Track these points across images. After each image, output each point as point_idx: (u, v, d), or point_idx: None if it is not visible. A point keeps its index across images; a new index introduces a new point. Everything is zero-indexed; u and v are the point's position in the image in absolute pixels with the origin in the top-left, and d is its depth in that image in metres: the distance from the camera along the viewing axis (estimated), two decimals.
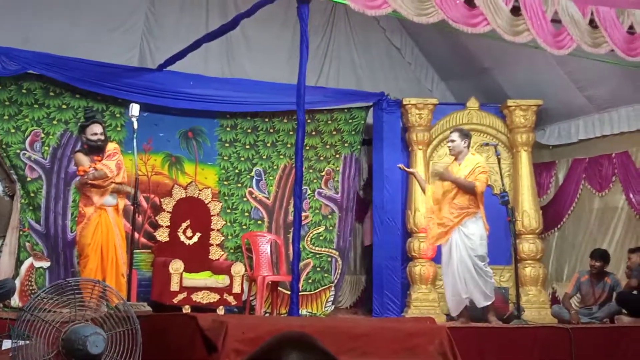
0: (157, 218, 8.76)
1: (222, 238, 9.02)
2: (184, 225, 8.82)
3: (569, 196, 9.71)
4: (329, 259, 9.63)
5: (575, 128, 9.69)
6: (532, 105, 9.49)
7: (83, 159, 7.13)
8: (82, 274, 7.22)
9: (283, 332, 1.70)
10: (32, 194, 8.36)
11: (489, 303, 7.81)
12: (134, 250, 7.25)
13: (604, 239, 9.18)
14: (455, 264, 7.70)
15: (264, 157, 9.52)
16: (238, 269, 8.28)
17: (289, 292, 7.43)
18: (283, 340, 1.68)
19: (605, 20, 7.01)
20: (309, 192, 9.57)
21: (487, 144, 8.87)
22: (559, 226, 9.83)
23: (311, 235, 9.57)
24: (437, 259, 8.98)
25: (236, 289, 8.24)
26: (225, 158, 9.37)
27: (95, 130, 7.14)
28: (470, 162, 7.82)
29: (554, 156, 10.09)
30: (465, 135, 7.95)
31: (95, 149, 7.14)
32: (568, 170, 9.82)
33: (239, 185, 9.41)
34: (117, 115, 8.77)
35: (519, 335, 7.02)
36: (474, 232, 7.67)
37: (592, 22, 7.00)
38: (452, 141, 7.88)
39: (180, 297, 8.00)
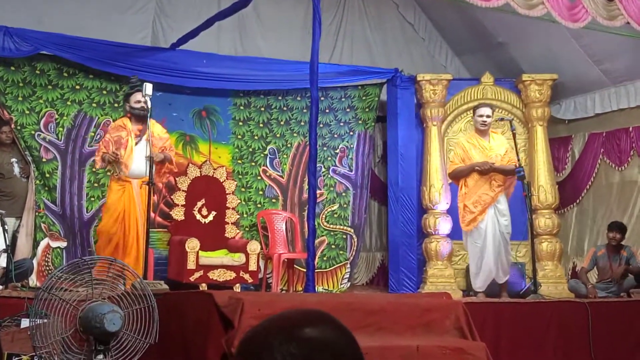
0: (172, 197, 8.78)
1: (238, 216, 9.02)
2: (199, 204, 8.82)
3: (587, 171, 9.62)
4: (344, 236, 9.63)
5: (591, 102, 9.59)
6: (547, 80, 9.40)
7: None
8: (104, 252, 7.31)
9: (294, 308, 1.62)
10: (47, 175, 8.40)
11: (507, 279, 7.88)
12: (150, 229, 7.28)
13: (624, 213, 9.09)
14: (489, 240, 7.78)
15: (278, 136, 9.50)
16: (254, 247, 8.29)
17: (304, 270, 7.45)
18: (295, 316, 1.57)
19: None
20: (323, 169, 9.55)
21: (502, 119, 8.84)
22: (577, 201, 9.75)
23: (326, 212, 9.56)
24: (452, 234, 8.98)
25: (252, 266, 8.25)
26: (239, 137, 9.36)
27: (139, 99, 7.41)
28: (500, 141, 8.07)
29: (570, 131, 10.00)
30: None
31: (139, 118, 7.47)
32: (585, 144, 9.72)
33: (253, 163, 9.40)
34: None
35: (535, 310, 7.02)
36: (505, 207, 7.83)
37: None
38: (488, 116, 8.02)
39: (197, 275, 8.02)
